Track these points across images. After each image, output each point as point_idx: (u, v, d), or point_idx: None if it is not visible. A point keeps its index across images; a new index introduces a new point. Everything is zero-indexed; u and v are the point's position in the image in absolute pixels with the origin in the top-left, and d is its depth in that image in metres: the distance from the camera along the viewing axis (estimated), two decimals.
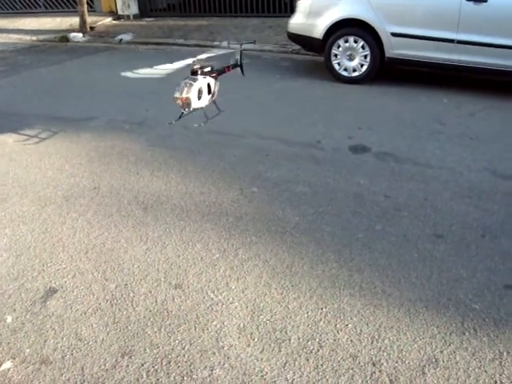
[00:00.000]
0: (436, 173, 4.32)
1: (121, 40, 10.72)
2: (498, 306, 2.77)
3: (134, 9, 13.15)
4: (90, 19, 11.84)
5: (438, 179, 4.20)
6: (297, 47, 8.63)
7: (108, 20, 12.80)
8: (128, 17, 13.02)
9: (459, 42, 6.43)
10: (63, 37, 11.17)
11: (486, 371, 2.36)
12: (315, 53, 7.95)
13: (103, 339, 2.52)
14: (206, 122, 4.86)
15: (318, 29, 7.12)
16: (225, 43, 9.43)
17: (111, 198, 3.91)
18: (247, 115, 5.83)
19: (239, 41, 6.61)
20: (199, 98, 4.46)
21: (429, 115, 5.83)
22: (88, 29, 11.61)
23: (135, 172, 4.33)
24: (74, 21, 11.99)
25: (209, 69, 4.69)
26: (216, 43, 9.92)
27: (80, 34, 11.21)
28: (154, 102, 6.27)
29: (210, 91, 4.65)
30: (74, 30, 11.50)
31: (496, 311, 2.73)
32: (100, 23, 12.39)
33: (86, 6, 11.62)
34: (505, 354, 2.45)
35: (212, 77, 4.71)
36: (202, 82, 4.51)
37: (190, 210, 3.72)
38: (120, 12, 13.10)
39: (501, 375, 2.33)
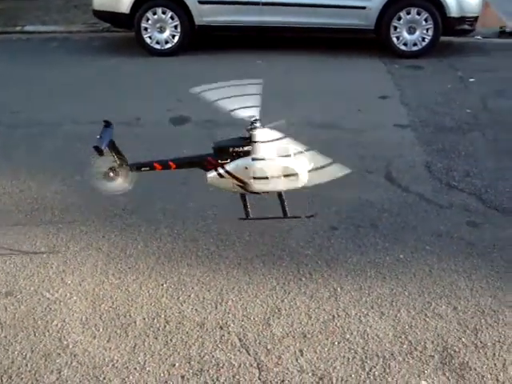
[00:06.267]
0: None
1: None
2: (328, 247, 2.98)
3: None
4: None
5: None
6: (107, 25, 8.30)
7: None
8: None
9: (264, 3, 6.63)
10: None
11: (324, 309, 2.53)
12: (125, 29, 7.71)
13: None
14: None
15: (124, 3, 6.87)
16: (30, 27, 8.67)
17: None
18: (63, 101, 5.51)
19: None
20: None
21: (245, 78, 5.96)
22: None
23: None
24: None
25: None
26: (18, 28, 9.20)
27: None
28: None
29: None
30: None
31: (326, 252, 2.93)
32: None
33: None
34: (338, 289, 2.65)
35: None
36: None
37: (10, 210, 3.47)
38: None
39: (337, 309, 2.53)
